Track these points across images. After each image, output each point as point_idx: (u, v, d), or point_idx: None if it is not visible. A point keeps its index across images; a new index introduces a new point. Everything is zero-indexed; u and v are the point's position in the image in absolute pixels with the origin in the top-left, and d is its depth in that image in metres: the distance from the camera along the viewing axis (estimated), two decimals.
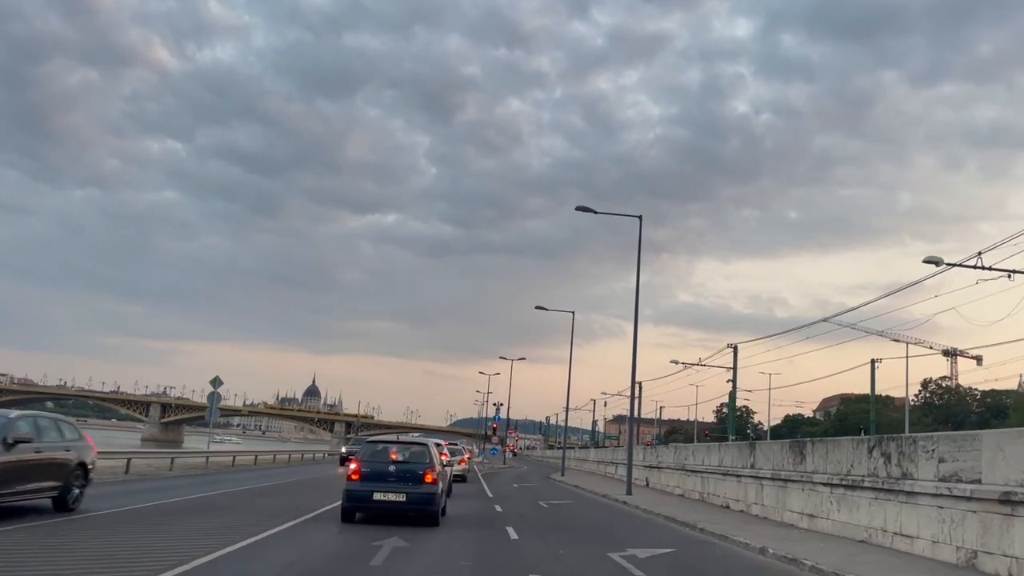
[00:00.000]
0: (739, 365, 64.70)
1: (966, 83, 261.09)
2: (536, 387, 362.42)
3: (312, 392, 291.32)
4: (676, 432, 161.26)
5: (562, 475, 46.78)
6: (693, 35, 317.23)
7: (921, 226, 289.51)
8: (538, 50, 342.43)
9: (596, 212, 31.95)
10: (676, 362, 55.83)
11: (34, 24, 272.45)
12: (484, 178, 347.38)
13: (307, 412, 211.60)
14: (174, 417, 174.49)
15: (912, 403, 77.37)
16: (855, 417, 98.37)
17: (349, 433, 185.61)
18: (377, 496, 15.61)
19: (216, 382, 37.03)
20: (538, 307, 48.28)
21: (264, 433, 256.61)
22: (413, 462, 16.32)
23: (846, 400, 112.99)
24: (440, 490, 16.77)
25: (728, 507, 25.20)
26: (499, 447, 66.19)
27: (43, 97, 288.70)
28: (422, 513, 15.84)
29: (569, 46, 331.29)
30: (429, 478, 16.03)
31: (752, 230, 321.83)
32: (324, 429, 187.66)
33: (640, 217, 31.35)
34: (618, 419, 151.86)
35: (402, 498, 15.63)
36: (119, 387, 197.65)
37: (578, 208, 31.36)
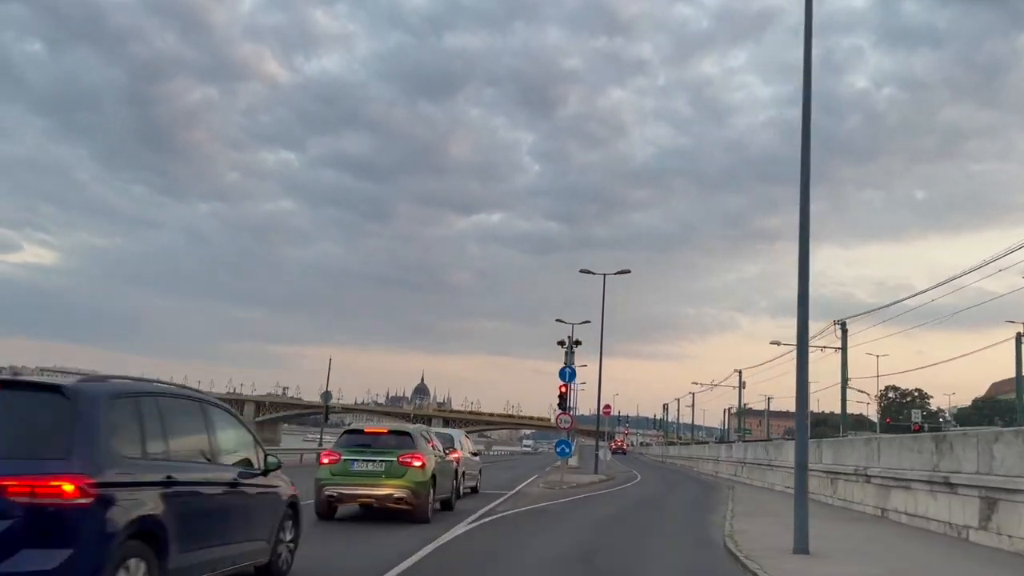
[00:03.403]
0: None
1: None
2: (649, 383, 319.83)
3: (421, 390, 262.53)
4: (822, 424, 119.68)
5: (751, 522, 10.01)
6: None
7: None
8: (639, 36, 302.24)
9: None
10: None
11: (154, 44, 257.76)
12: (588, 172, 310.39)
13: (399, 409, 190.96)
14: (267, 415, 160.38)
15: None
16: None
17: (447, 430, 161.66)
18: None
19: None
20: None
21: None
22: None
23: None
24: None
25: None
26: (571, 442, 28.91)
27: (167, 115, 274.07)
28: None
29: (672, 30, 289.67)
30: None
31: (875, 212, 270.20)
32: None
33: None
34: (741, 412, 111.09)
35: None
36: (234, 389, 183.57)
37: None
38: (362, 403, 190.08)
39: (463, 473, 17.68)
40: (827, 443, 20.35)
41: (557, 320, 37.42)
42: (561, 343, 28.54)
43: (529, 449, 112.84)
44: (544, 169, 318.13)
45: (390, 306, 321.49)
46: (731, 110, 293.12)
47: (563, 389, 27.55)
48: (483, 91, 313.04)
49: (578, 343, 28.46)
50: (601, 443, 41.73)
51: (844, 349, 37.76)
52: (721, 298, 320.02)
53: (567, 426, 26.79)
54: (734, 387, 61.85)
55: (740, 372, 61.22)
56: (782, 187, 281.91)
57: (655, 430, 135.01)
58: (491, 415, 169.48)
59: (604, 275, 32.90)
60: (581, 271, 32.96)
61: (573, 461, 53.12)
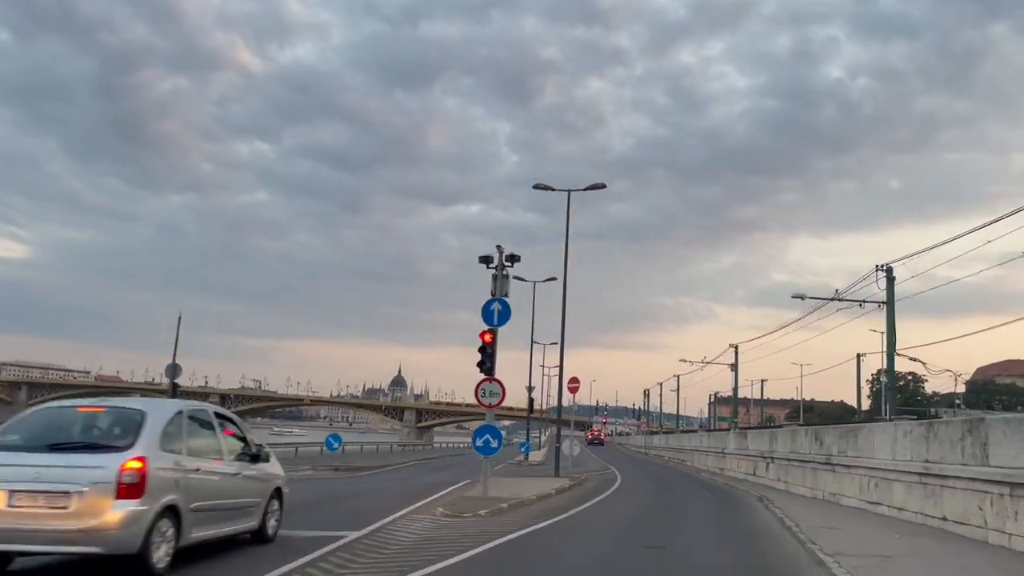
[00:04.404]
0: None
1: None
2: (626, 373, 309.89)
3: (398, 383, 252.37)
4: (809, 411, 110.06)
5: None
6: None
7: None
8: (617, 25, 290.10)
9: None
10: None
11: (124, 34, 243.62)
12: (566, 162, 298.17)
13: (372, 401, 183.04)
14: (234, 409, 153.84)
15: None
16: None
17: (421, 422, 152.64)
18: None
19: None
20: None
21: (351, 425, 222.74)
22: None
23: None
24: None
25: None
26: (499, 430, 15.15)
27: (138, 105, 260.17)
28: None
29: (650, 19, 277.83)
30: None
31: (851, 203, 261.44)
32: (393, 418, 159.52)
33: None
34: (724, 401, 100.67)
35: None
36: (206, 381, 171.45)
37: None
38: (337, 396, 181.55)
39: (180, 508, 6.84)
40: (997, 422, 9.82)
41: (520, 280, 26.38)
42: (486, 259, 16.62)
43: None
44: (522, 160, 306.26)
45: (367, 298, 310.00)
46: (708, 100, 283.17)
47: (487, 338, 15.18)
48: (460, 81, 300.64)
49: (515, 259, 16.79)
50: (568, 432, 30.68)
51: (891, 303, 27.38)
52: (698, 288, 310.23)
53: (494, 402, 14.77)
54: (729, 365, 51.64)
55: (736, 347, 50.91)
56: (758, 177, 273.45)
57: (634, 419, 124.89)
58: (468, 406, 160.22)
59: (569, 191, 22.40)
60: (536, 186, 22.44)
61: (538, 457, 42.01)
